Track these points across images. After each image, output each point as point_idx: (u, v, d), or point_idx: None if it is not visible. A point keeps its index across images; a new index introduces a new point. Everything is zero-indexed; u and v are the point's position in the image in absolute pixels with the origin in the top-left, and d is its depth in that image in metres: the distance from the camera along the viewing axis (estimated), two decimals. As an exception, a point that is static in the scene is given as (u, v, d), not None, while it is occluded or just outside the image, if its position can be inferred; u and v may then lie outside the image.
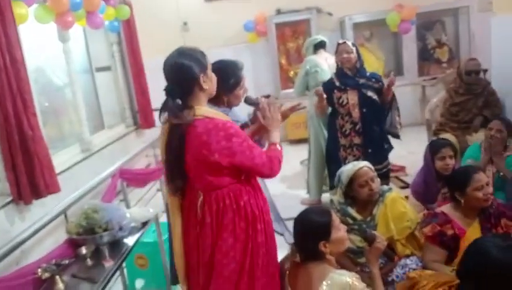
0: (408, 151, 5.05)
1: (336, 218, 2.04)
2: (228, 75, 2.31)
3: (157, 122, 2.16)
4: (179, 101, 1.80)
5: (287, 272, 2.07)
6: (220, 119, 1.84)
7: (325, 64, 4.14)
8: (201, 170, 1.86)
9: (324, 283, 1.84)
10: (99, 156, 4.17)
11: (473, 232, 2.36)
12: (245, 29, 6.57)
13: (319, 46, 4.25)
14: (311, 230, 1.98)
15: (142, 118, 5.34)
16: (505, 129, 3.29)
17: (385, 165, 3.55)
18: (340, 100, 3.47)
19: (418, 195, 3.11)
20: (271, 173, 1.94)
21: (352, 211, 2.61)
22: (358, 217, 2.60)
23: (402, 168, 4.76)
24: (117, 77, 5.32)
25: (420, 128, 5.90)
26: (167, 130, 1.89)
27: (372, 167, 2.64)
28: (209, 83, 1.89)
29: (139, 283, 3.13)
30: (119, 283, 3.05)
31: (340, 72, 3.50)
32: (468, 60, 4.28)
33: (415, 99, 6.62)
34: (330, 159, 3.70)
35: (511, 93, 3.98)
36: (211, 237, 1.90)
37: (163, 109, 1.85)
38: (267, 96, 2.25)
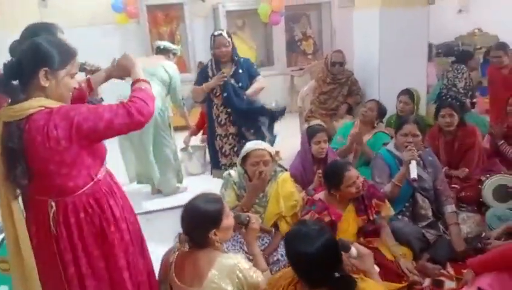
0: (280, 137, 5.29)
1: (226, 205, 2.03)
2: None
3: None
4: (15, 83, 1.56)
5: (172, 264, 1.98)
6: (54, 106, 1.60)
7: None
8: (51, 172, 1.61)
9: (213, 270, 1.83)
10: None
11: (348, 214, 2.63)
12: (113, 10, 6.14)
13: (157, 51, 4.14)
14: (202, 218, 1.92)
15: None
16: (376, 111, 3.72)
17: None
18: (214, 90, 3.43)
19: (296, 177, 3.26)
20: (134, 118, 1.65)
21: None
22: None
23: (277, 153, 4.97)
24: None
25: (290, 116, 6.23)
26: (0, 129, 1.58)
27: (273, 152, 2.71)
28: (52, 84, 1.60)
29: (2, 290, 2.75)
30: (-23, 293, 2.63)
31: (215, 65, 3.46)
32: (333, 52, 4.65)
33: (285, 88, 6.97)
34: (209, 147, 3.74)
35: (370, 83, 4.40)
36: (71, 252, 1.69)
37: None
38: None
